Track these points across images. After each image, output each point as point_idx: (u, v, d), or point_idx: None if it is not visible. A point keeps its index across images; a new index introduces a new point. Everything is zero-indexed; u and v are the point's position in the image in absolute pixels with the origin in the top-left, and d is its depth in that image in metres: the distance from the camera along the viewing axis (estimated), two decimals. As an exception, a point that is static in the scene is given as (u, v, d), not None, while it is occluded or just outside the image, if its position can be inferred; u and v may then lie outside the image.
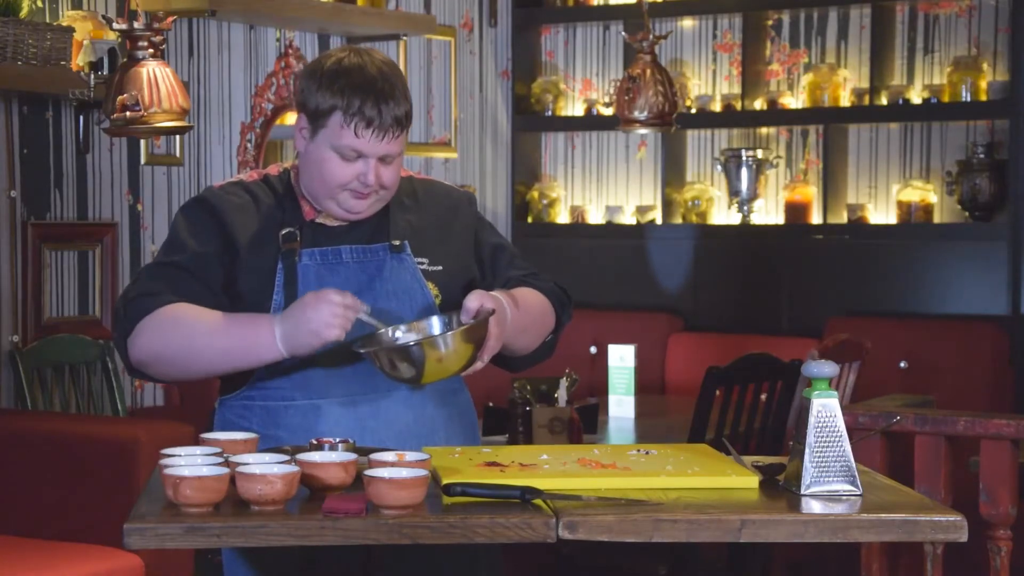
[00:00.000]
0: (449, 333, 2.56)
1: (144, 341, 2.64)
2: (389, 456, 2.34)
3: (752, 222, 6.50)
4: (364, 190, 2.68)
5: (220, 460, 2.30)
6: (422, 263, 2.76)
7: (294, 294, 2.67)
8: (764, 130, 6.61)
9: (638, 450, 2.59)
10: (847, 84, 6.39)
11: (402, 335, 2.65)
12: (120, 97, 4.33)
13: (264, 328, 2.58)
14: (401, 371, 2.57)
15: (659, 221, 6.70)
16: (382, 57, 2.72)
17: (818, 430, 2.35)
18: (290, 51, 5.88)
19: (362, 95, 2.63)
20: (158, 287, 2.66)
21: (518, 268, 2.88)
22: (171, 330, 2.62)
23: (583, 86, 7.01)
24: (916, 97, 6.22)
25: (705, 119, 6.63)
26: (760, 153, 6.46)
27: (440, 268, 2.77)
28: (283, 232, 2.71)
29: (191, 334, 2.62)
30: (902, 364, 5.90)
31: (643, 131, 5.38)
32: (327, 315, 2.52)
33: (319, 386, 2.68)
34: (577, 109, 7.01)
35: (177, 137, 5.36)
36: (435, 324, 2.68)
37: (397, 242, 2.75)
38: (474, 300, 2.61)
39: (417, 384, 2.64)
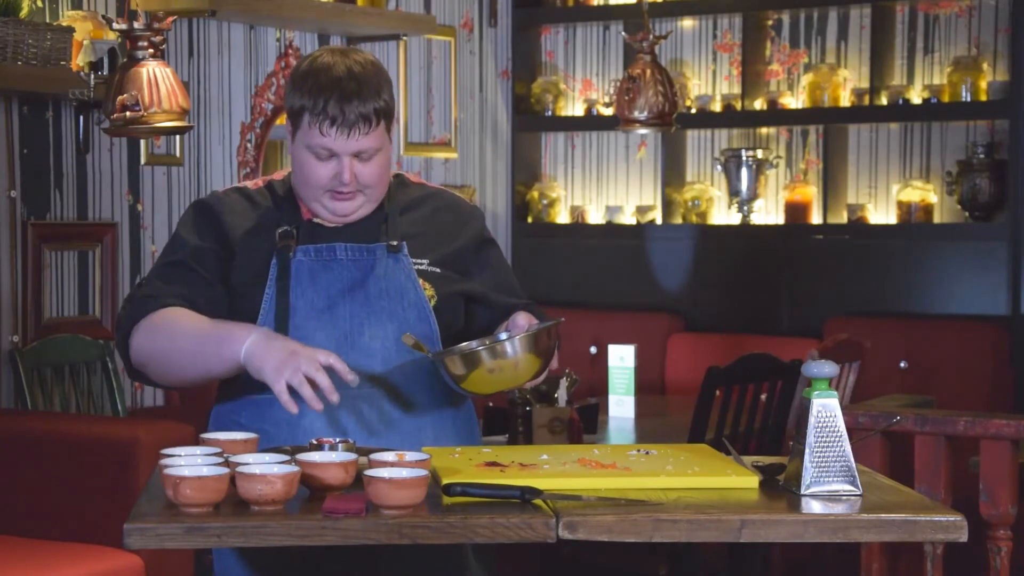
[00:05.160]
0: (516, 336, 2.53)
1: (137, 343, 2.67)
2: (389, 456, 2.34)
3: (752, 222, 6.49)
4: (343, 189, 2.69)
5: (220, 460, 2.30)
6: (420, 264, 2.76)
7: (286, 288, 2.68)
8: (764, 130, 6.60)
9: (638, 450, 2.59)
10: (847, 84, 6.39)
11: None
12: (120, 97, 4.33)
13: (239, 330, 2.57)
14: (466, 376, 2.54)
15: (659, 221, 6.70)
16: (361, 57, 2.71)
17: (818, 430, 2.35)
18: (290, 51, 5.88)
19: (326, 94, 2.64)
20: (158, 289, 2.70)
21: (517, 296, 2.87)
22: (160, 332, 2.64)
23: (583, 86, 7.01)
24: (916, 97, 6.21)
25: (705, 119, 6.63)
26: (760, 153, 6.45)
27: (438, 271, 2.77)
28: (280, 230, 2.73)
29: (173, 335, 2.63)
30: (902, 364, 5.90)
31: (643, 131, 5.38)
32: (293, 369, 2.46)
33: None
34: (577, 109, 7.00)
35: (177, 137, 5.36)
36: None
37: (395, 242, 2.75)
38: (523, 318, 2.62)
39: (484, 395, 2.60)
